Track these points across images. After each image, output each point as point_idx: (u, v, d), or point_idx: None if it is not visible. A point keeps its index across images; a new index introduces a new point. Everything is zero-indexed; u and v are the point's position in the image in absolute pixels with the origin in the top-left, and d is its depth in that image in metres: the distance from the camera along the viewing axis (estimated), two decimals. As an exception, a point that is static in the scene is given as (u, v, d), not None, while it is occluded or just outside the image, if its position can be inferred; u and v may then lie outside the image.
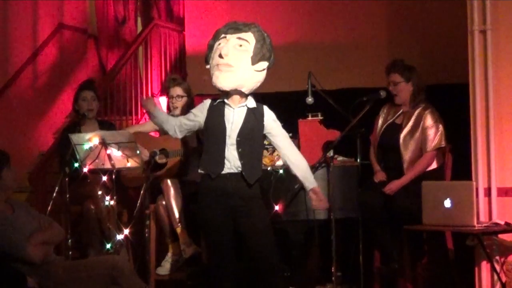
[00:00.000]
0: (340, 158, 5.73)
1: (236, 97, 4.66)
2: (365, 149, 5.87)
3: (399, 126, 5.81)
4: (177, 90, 6.12)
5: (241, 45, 4.60)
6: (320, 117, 5.81)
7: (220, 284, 4.63)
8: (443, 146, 5.69)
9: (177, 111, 6.10)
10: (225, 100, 4.67)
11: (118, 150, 5.50)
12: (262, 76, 4.68)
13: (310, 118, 5.82)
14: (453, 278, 5.55)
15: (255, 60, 4.60)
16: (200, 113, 4.71)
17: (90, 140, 5.51)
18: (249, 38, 4.62)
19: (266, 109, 4.73)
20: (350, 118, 5.60)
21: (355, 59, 7.70)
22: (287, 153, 4.73)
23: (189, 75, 8.50)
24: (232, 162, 4.59)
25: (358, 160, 5.76)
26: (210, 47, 4.69)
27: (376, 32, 7.70)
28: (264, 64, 4.65)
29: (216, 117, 4.66)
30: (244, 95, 4.68)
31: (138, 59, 8.62)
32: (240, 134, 4.61)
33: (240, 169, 4.59)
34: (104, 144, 5.49)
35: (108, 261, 4.87)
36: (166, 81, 6.51)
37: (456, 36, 6.30)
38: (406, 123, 5.78)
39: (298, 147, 5.77)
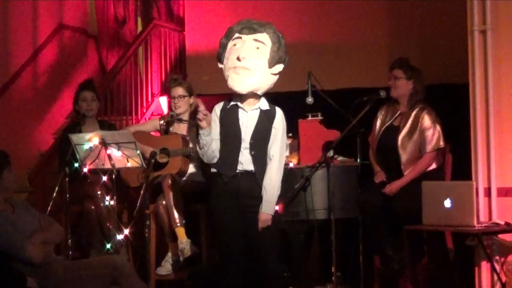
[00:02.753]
0: (340, 158, 5.73)
1: (250, 100, 4.68)
2: (365, 149, 5.88)
3: (397, 128, 5.80)
4: (179, 90, 6.11)
5: (258, 48, 4.60)
6: (320, 117, 5.81)
7: (229, 282, 4.64)
8: (441, 146, 5.69)
9: (180, 111, 6.09)
10: (239, 104, 4.68)
11: (118, 150, 5.50)
12: (276, 78, 4.70)
13: (310, 118, 5.82)
14: (453, 278, 5.55)
15: (272, 63, 4.61)
16: (214, 127, 4.65)
17: (90, 140, 5.51)
18: (266, 40, 4.61)
19: (278, 113, 4.71)
20: (350, 118, 5.60)
21: (355, 59, 7.70)
22: (268, 170, 4.63)
23: (189, 75, 8.49)
24: (244, 164, 4.61)
25: (358, 160, 5.76)
26: (223, 46, 4.68)
27: (376, 32, 7.70)
28: (280, 67, 4.67)
29: (230, 121, 4.67)
30: (258, 97, 4.69)
31: (138, 59, 8.61)
32: (254, 137, 4.63)
33: (252, 170, 4.60)
34: (104, 144, 5.49)
35: (108, 261, 4.87)
36: (167, 81, 6.50)
37: (456, 36, 6.30)
38: (404, 125, 5.77)
39: (298, 147, 5.78)
